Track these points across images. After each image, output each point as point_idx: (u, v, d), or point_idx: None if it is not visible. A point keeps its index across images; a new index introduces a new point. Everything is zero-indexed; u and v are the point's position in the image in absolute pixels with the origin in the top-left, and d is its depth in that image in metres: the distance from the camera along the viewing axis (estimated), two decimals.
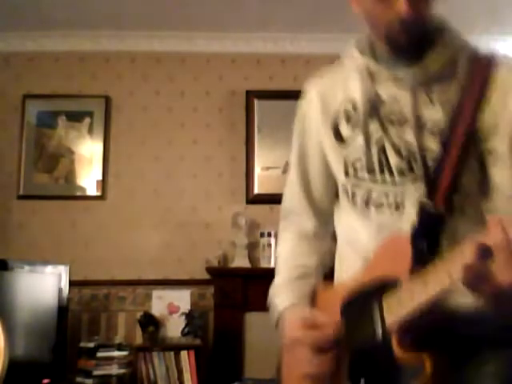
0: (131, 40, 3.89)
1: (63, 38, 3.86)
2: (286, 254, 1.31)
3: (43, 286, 3.15)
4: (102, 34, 3.86)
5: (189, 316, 3.37)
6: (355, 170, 1.17)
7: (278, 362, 1.22)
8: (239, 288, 3.53)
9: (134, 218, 3.74)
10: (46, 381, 3.01)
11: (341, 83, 1.23)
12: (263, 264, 3.60)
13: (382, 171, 1.13)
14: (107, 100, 3.86)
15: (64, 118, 3.83)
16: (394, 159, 1.11)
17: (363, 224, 1.15)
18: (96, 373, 3.16)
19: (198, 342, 3.31)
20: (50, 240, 3.68)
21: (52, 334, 3.10)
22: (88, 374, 3.16)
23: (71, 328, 3.34)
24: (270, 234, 3.60)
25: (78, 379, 3.18)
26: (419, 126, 1.10)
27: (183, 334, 3.36)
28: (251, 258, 3.63)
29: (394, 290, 0.98)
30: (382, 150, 1.13)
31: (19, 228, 3.70)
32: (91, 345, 3.24)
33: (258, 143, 3.82)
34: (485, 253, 0.82)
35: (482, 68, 1.10)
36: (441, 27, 1.16)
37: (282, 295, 1.22)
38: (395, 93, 1.13)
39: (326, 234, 1.32)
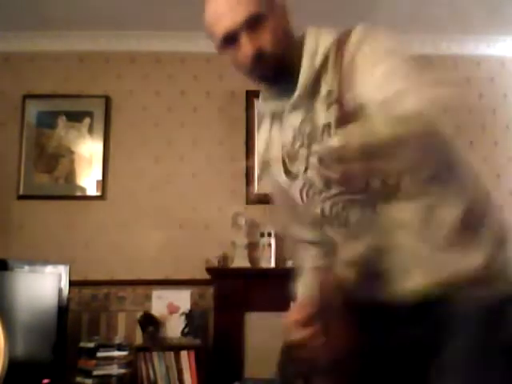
0: (131, 40, 3.89)
1: (63, 38, 3.86)
2: None
3: (43, 286, 3.15)
4: (101, 34, 3.86)
5: (189, 316, 3.37)
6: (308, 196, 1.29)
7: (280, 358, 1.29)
8: (239, 288, 3.53)
9: (134, 218, 3.74)
10: (45, 381, 3.00)
11: (267, 136, 1.36)
12: (263, 264, 3.60)
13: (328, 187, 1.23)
14: (107, 100, 3.86)
15: (64, 118, 3.83)
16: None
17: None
18: (96, 373, 3.16)
19: (197, 342, 3.31)
20: (50, 240, 3.68)
21: (52, 334, 3.10)
22: (88, 374, 3.16)
23: (71, 328, 3.34)
24: (269, 234, 3.60)
25: (78, 379, 3.17)
26: (328, 135, 1.17)
27: (183, 333, 3.36)
28: (251, 258, 3.63)
29: None
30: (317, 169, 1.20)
31: (19, 228, 3.70)
32: (91, 345, 3.24)
33: (258, 143, 3.82)
34: None
35: (342, 52, 1.16)
36: (300, 44, 1.22)
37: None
38: (300, 117, 1.22)
39: None
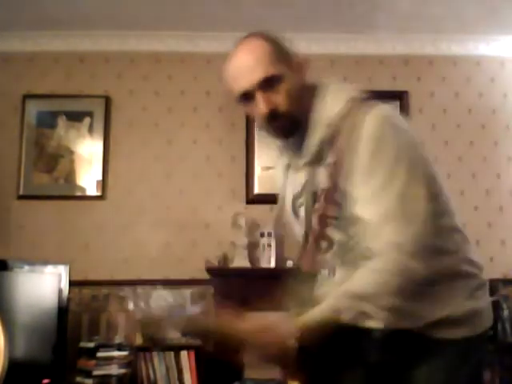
0: (131, 40, 3.89)
1: (63, 37, 3.86)
2: None
3: (43, 285, 3.15)
4: (101, 34, 3.86)
5: None
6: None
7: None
8: (239, 288, 3.52)
9: (134, 218, 3.74)
10: (45, 381, 3.00)
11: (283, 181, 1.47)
12: (263, 264, 3.60)
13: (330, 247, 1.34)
14: (107, 100, 3.86)
15: (64, 117, 3.83)
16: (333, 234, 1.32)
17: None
18: (96, 373, 3.16)
19: (197, 342, 3.31)
20: (50, 240, 3.68)
21: (52, 334, 3.10)
22: (88, 374, 3.16)
23: (71, 328, 3.34)
24: (270, 234, 3.60)
25: (78, 379, 3.18)
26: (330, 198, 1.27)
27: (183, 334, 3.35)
28: (251, 258, 3.63)
29: None
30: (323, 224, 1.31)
31: (19, 228, 3.70)
32: (91, 345, 3.24)
33: (257, 143, 3.82)
34: None
35: (353, 129, 1.23)
36: (314, 105, 1.29)
37: None
38: (305, 177, 1.33)
39: None
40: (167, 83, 3.91)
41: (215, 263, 3.60)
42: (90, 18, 3.68)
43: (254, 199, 3.77)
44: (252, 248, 3.66)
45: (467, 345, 1.25)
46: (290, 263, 3.59)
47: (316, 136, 1.27)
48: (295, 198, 1.38)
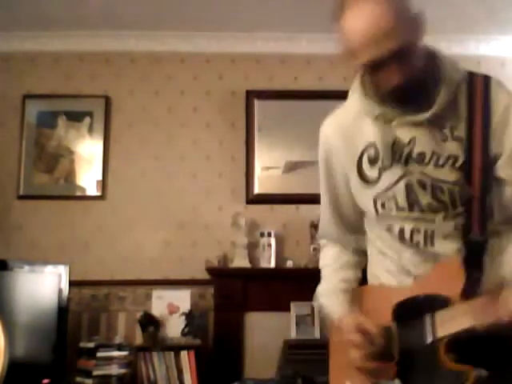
0: (131, 40, 3.89)
1: (63, 38, 3.85)
2: (332, 264, 1.47)
3: (43, 286, 3.15)
4: (101, 34, 3.86)
5: (189, 316, 3.37)
6: (384, 208, 1.31)
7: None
8: (239, 288, 3.53)
9: (134, 218, 3.74)
10: (45, 381, 3.00)
11: (357, 127, 1.34)
12: (263, 264, 3.60)
13: (411, 209, 1.27)
14: (107, 100, 3.86)
15: (64, 117, 3.83)
16: (422, 197, 1.26)
17: (400, 246, 1.31)
18: (96, 373, 3.15)
19: (197, 342, 3.31)
20: (50, 240, 3.68)
21: (52, 334, 3.10)
22: (88, 374, 3.16)
23: (71, 328, 3.34)
24: (269, 234, 3.61)
25: (78, 379, 3.18)
26: (439, 163, 1.24)
27: (183, 334, 3.36)
28: (251, 258, 3.63)
29: (447, 309, 1.14)
30: (410, 189, 1.26)
31: (19, 228, 3.70)
32: (91, 345, 3.24)
33: (257, 143, 3.82)
34: None
35: (480, 95, 1.24)
36: (437, 65, 1.28)
37: (334, 306, 1.40)
38: (413, 134, 1.25)
39: (361, 249, 1.47)
40: (167, 83, 3.91)
41: (215, 263, 3.60)
42: (90, 18, 3.67)
43: (253, 199, 3.77)
44: (252, 248, 3.66)
45: None
46: (289, 263, 3.59)
47: (443, 96, 1.23)
48: (385, 150, 1.28)
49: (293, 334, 3.44)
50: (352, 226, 1.45)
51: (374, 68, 1.20)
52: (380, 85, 1.23)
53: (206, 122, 3.87)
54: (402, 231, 1.29)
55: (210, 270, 3.57)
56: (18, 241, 3.66)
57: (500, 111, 1.22)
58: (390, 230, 1.32)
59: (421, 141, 1.25)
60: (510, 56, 4.01)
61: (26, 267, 3.09)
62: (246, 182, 3.79)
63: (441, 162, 1.24)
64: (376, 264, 1.40)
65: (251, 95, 3.86)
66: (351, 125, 1.35)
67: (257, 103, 3.86)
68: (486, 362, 1.12)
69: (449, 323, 1.13)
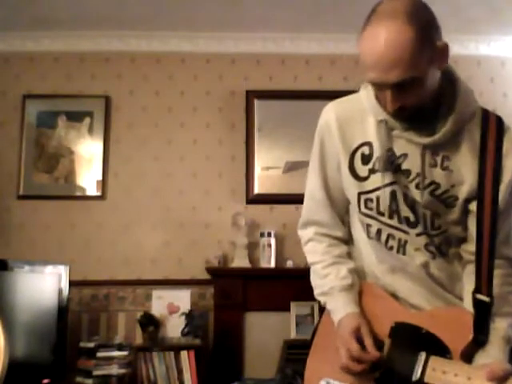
0: (131, 40, 3.89)
1: (63, 38, 3.86)
2: (326, 260, 1.43)
3: (43, 286, 3.15)
4: (101, 34, 3.86)
5: (189, 316, 3.37)
6: (366, 207, 1.34)
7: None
8: (239, 288, 3.53)
9: (134, 218, 3.74)
10: (45, 381, 3.01)
11: (358, 122, 1.34)
12: (263, 264, 3.60)
13: (390, 217, 1.31)
14: (107, 100, 3.86)
15: (64, 117, 3.83)
16: (402, 208, 1.30)
17: (372, 248, 1.38)
18: (96, 373, 3.15)
19: (197, 342, 3.31)
20: (50, 240, 3.68)
21: (52, 334, 3.10)
22: (88, 374, 3.16)
23: (71, 328, 3.34)
24: (269, 234, 3.61)
25: (78, 379, 3.18)
26: (420, 186, 1.27)
27: (183, 334, 3.35)
28: (251, 258, 3.63)
29: (443, 359, 1.17)
30: (393, 198, 1.30)
31: (19, 228, 3.70)
32: (91, 345, 3.24)
33: (257, 143, 3.82)
34: None
35: (494, 135, 1.24)
36: (454, 94, 1.25)
37: (338, 303, 1.37)
38: (406, 151, 1.27)
39: (349, 239, 1.48)
40: (167, 83, 3.91)
41: (215, 263, 3.60)
42: (90, 18, 3.67)
43: (253, 199, 3.77)
44: (252, 248, 3.66)
45: None
46: (289, 263, 3.59)
47: (449, 127, 1.23)
48: (381, 156, 1.29)
49: (293, 334, 3.44)
50: (340, 213, 1.45)
51: (377, 86, 1.22)
52: (379, 103, 1.26)
53: (205, 122, 3.88)
54: (379, 232, 1.34)
55: (209, 270, 3.57)
56: (18, 241, 3.66)
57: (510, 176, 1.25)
58: (368, 227, 1.36)
59: (410, 159, 1.27)
60: (510, 56, 4.01)
61: (26, 267, 3.09)
62: (246, 182, 3.79)
63: (421, 186, 1.26)
64: (359, 255, 1.45)
65: (251, 95, 3.86)
66: (354, 117, 1.35)
67: (257, 103, 3.86)
68: None
69: (439, 373, 1.15)
